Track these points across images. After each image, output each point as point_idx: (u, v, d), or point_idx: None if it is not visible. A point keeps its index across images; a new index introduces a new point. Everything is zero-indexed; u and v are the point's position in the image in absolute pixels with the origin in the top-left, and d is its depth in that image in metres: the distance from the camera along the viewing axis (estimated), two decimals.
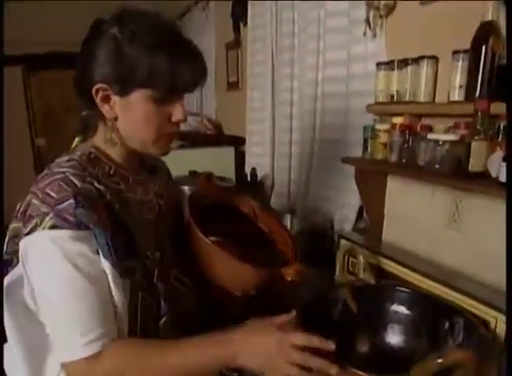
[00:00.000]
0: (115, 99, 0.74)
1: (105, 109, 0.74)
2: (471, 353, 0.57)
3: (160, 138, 0.78)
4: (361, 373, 0.66)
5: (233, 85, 2.54)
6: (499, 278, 1.00)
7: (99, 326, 0.68)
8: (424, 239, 1.19)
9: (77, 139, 0.86)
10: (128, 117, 0.75)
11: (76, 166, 0.73)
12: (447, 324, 0.85)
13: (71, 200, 0.68)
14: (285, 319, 0.71)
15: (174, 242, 0.89)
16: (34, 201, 0.69)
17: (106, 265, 0.70)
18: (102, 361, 0.67)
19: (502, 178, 0.87)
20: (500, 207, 0.98)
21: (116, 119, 0.76)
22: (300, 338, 0.66)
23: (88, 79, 0.73)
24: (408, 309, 0.92)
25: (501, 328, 0.85)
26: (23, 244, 0.69)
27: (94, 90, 0.72)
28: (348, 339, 0.91)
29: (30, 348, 0.76)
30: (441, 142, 0.99)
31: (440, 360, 0.57)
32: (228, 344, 0.69)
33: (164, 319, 0.82)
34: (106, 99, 0.74)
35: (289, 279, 0.74)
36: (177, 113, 0.77)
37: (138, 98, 0.73)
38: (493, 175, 0.92)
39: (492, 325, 0.87)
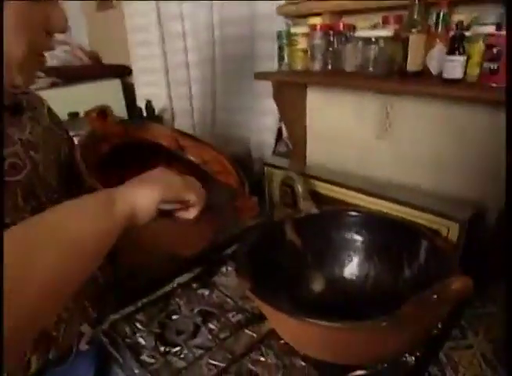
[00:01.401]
0: None
1: None
2: (469, 279, 0.48)
3: (30, 57, 0.53)
4: (319, 321, 0.54)
5: (105, 3, 2.11)
6: (435, 185, 0.96)
7: None
8: (354, 154, 1.10)
9: None
10: None
11: None
12: (402, 241, 0.78)
13: None
14: None
15: None
16: None
17: None
18: None
19: (446, 74, 0.77)
20: (437, 110, 0.91)
21: None
22: None
23: None
24: (358, 233, 0.83)
25: (454, 236, 0.81)
26: None
27: None
28: (301, 279, 0.80)
29: None
30: (373, 40, 0.86)
31: (435, 296, 0.48)
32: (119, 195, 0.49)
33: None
34: None
35: (245, 216, 0.57)
36: (57, 17, 0.53)
37: None
38: (434, 72, 0.82)
39: (444, 234, 0.82)
